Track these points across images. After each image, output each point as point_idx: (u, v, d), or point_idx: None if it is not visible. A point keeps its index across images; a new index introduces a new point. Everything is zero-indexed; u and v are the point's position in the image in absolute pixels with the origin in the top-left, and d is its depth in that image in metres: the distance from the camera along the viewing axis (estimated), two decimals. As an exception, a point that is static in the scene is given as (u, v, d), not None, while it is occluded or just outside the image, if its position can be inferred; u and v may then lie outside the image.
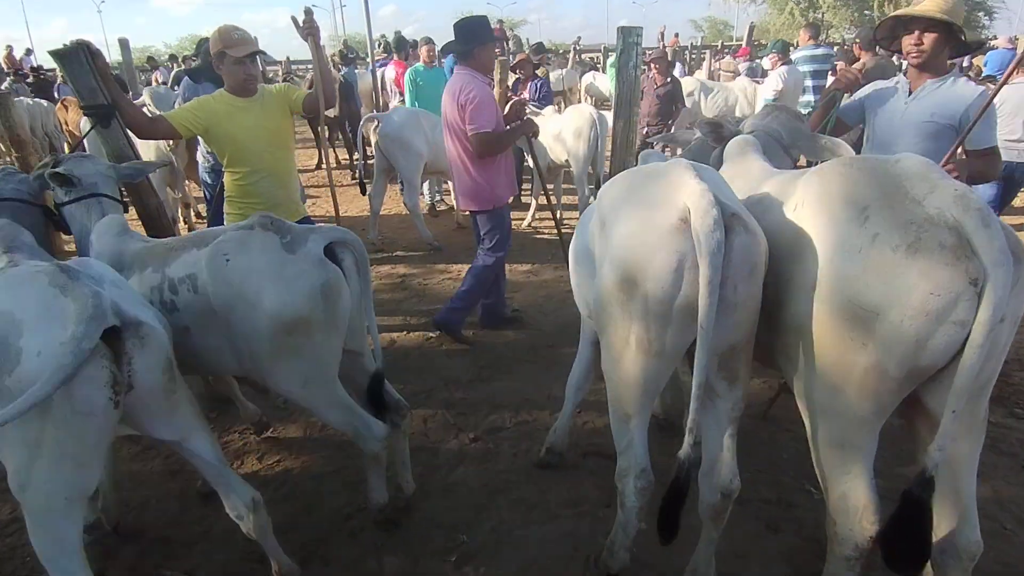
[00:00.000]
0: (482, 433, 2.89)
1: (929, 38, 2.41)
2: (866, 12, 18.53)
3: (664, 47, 12.32)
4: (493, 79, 4.43)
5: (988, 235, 1.32)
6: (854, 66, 5.08)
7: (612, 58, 10.27)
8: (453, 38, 3.47)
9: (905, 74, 2.62)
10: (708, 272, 1.49)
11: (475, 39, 3.37)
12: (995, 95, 2.23)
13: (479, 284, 3.72)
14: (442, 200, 7.07)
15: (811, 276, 1.55)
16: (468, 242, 5.67)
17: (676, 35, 18.48)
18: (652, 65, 7.04)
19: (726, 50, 14.36)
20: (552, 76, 11.20)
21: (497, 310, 3.96)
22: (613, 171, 3.37)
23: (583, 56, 15.67)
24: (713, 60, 11.86)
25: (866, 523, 1.57)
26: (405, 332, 3.96)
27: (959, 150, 2.42)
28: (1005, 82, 2.26)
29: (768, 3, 20.53)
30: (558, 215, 4.52)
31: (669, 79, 6.97)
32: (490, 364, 3.51)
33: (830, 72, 7.00)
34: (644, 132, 6.98)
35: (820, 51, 6.85)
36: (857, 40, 6.19)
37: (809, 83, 6.79)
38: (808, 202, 1.64)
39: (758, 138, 2.37)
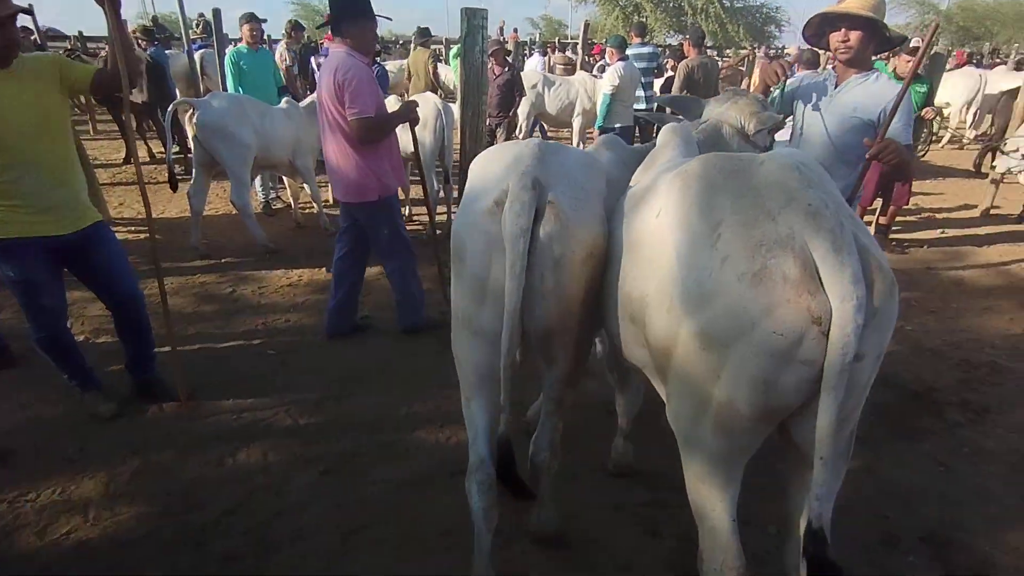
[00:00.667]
0: (335, 463, 2.54)
1: (855, 35, 2.46)
2: (683, 18, 20.25)
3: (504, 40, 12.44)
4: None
5: (837, 263, 1.19)
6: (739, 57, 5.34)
7: (455, 49, 10.23)
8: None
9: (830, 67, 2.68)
10: (509, 257, 1.53)
11: (345, 12, 2.99)
12: (903, 93, 2.25)
13: (407, 277, 3.49)
14: (278, 197, 6.41)
15: (667, 295, 1.40)
16: (310, 243, 5.18)
17: (515, 30, 18.86)
18: (489, 56, 6.97)
19: (564, 46, 14.93)
20: (393, 66, 10.78)
21: (345, 314, 3.59)
22: (464, 161, 3.16)
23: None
24: (551, 55, 12.25)
25: (727, 568, 1.46)
26: (238, 349, 3.44)
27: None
28: (909, 83, 2.27)
29: (598, 5, 21.63)
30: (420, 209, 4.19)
31: (507, 68, 6.96)
32: (340, 380, 3.15)
33: (655, 70, 7.46)
34: (488, 123, 6.93)
35: (647, 50, 7.24)
36: (687, 39, 6.60)
37: (642, 79, 7.19)
38: (667, 209, 1.48)
39: (709, 127, 2.31)
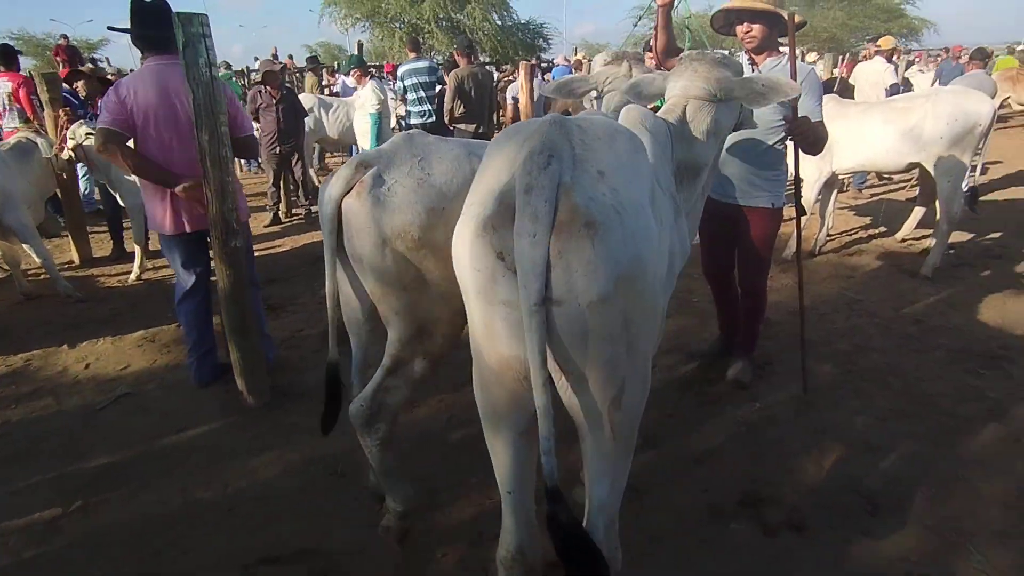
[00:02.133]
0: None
1: (756, 27, 2.65)
2: (461, 36, 20.85)
3: (274, 62, 11.69)
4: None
5: (524, 202, 1.20)
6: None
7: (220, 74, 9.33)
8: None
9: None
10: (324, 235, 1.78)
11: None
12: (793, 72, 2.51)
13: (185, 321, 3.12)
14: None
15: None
16: (45, 316, 4.17)
17: (290, 56, 17.96)
18: (265, 82, 6.38)
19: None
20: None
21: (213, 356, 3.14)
22: (212, 193, 2.67)
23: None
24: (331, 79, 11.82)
25: (503, 551, 1.53)
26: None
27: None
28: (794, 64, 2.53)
29: (378, 30, 21.43)
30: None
31: (285, 91, 6.44)
32: (89, 482, 2.47)
33: (437, 82, 7.44)
34: (277, 150, 6.36)
35: (423, 64, 7.21)
36: (456, 48, 6.62)
37: (421, 93, 7.11)
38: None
39: (673, 107, 2.17)
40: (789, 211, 3.21)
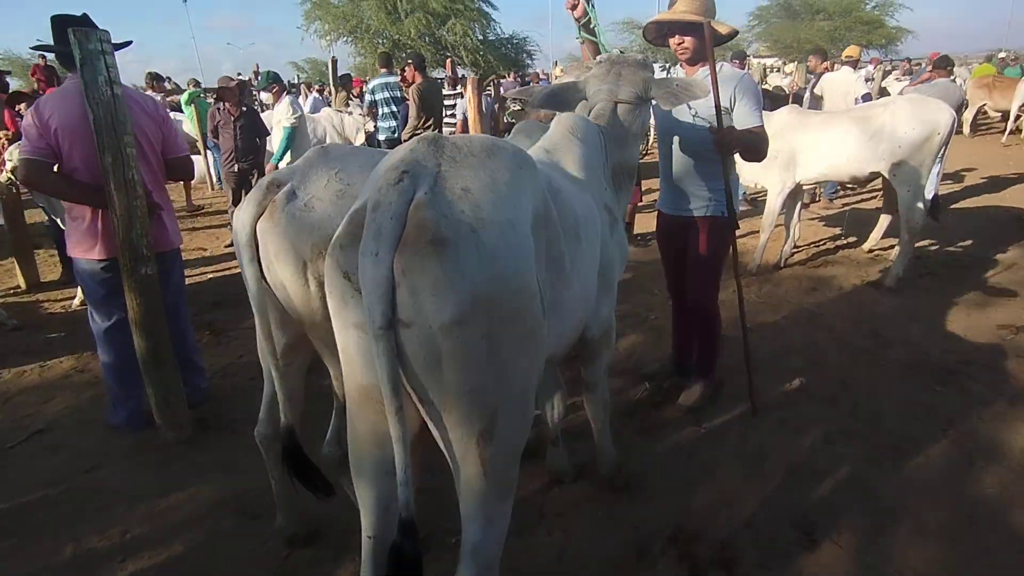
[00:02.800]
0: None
1: (688, 39, 2.57)
2: (443, 52, 20.90)
3: (231, 79, 11.75)
4: None
5: (370, 220, 1.15)
6: None
7: (185, 94, 9.21)
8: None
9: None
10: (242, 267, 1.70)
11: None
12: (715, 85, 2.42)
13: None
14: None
15: None
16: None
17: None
18: (221, 99, 6.27)
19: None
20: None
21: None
22: (119, 219, 2.53)
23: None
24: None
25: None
26: None
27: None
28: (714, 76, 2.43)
29: (358, 46, 21.43)
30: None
31: (245, 108, 6.32)
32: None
33: (403, 98, 7.42)
34: (235, 168, 6.23)
35: (393, 79, 7.25)
36: (410, 63, 6.58)
37: (392, 108, 7.08)
38: None
39: (602, 111, 2.13)
40: (754, 224, 3.08)
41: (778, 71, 19.81)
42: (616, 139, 2.17)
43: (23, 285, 5.19)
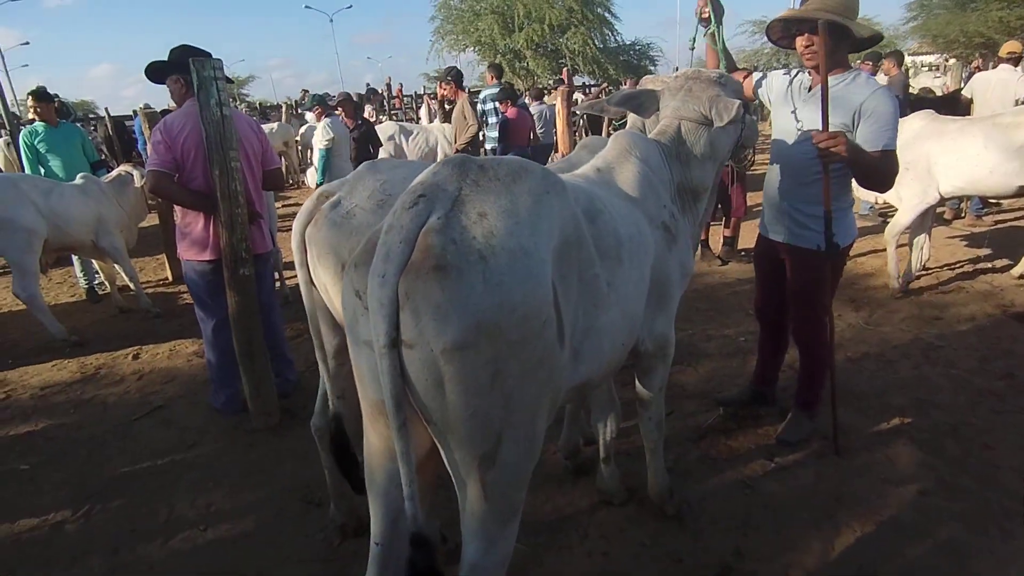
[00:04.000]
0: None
1: (818, 39, 2.22)
2: (561, 60, 21.04)
3: (348, 94, 12.74)
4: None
5: (382, 241, 1.19)
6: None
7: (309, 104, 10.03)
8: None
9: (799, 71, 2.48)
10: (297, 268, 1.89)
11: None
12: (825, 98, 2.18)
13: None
14: (103, 283, 5.83)
15: None
16: (127, 328, 4.66)
17: (400, 85, 19.16)
18: (339, 109, 6.83)
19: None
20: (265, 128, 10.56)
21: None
22: (223, 225, 2.84)
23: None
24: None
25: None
26: (-16, 472, 2.89)
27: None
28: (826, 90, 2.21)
29: (478, 55, 22.18)
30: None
31: (360, 121, 6.81)
32: (95, 494, 2.68)
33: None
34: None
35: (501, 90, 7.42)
36: (450, 79, 6.63)
37: (499, 118, 7.26)
38: None
39: (665, 128, 2.08)
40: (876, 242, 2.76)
41: (936, 70, 17.74)
42: (679, 157, 2.09)
43: (170, 278, 5.95)
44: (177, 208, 3.18)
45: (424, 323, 1.14)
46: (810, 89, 2.42)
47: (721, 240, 5.54)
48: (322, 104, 6.99)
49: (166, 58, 3.05)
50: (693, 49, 3.03)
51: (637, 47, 24.24)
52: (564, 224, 1.37)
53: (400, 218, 1.19)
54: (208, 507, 2.53)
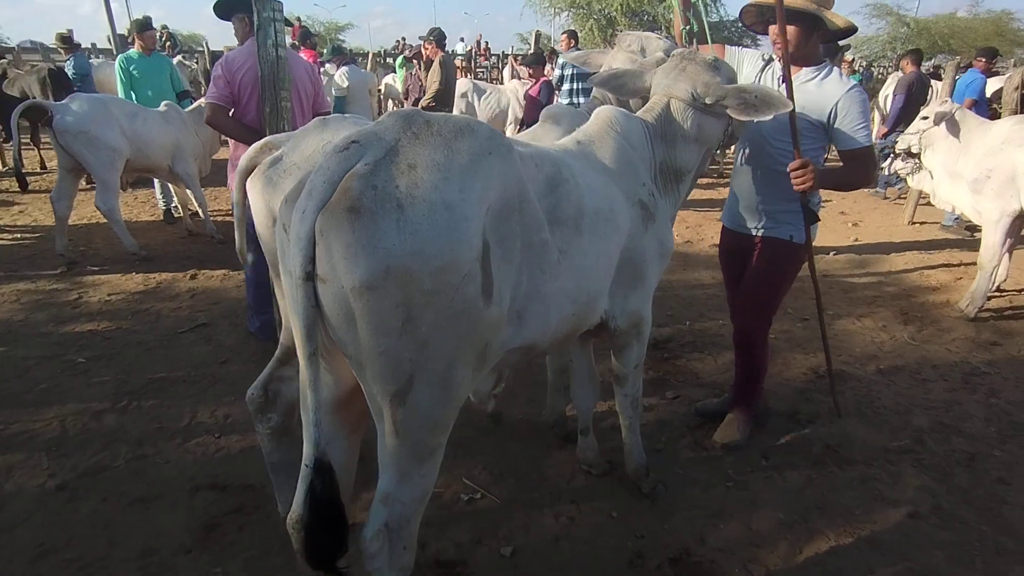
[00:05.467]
0: (74, 477, 2.37)
1: (791, 29, 2.15)
2: (656, 30, 20.26)
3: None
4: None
5: (310, 179, 1.23)
6: None
7: (399, 59, 10.20)
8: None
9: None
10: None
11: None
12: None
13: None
14: (178, 207, 6.28)
15: None
16: (191, 250, 5.05)
17: (487, 44, 19.20)
18: (416, 66, 6.96)
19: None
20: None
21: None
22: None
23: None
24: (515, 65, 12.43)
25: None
26: (47, 358, 3.27)
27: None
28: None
29: (573, 19, 21.67)
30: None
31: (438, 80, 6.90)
32: (140, 388, 2.99)
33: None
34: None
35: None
36: (431, 39, 6.47)
37: (577, 84, 7.14)
38: None
39: (655, 106, 2.06)
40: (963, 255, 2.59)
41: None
42: (665, 137, 2.04)
43: (239, 208, 6.33)
44: (230, 141, 3.38)
45: (335, 260, 1.20)
46: (783, 79, 2.25)
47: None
48: (340, 54, 7.15)
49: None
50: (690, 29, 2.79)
51: (740, 24, 22.99)
52: (506, 186, 1.37)
53: (329, 160, 1.23)
54: (226, 419, 2.77)
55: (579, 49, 7.76)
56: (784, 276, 2.47)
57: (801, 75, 2.27)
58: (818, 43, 2.27)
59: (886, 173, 5.39)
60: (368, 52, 16.90)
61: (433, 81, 6.40)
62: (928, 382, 3.24)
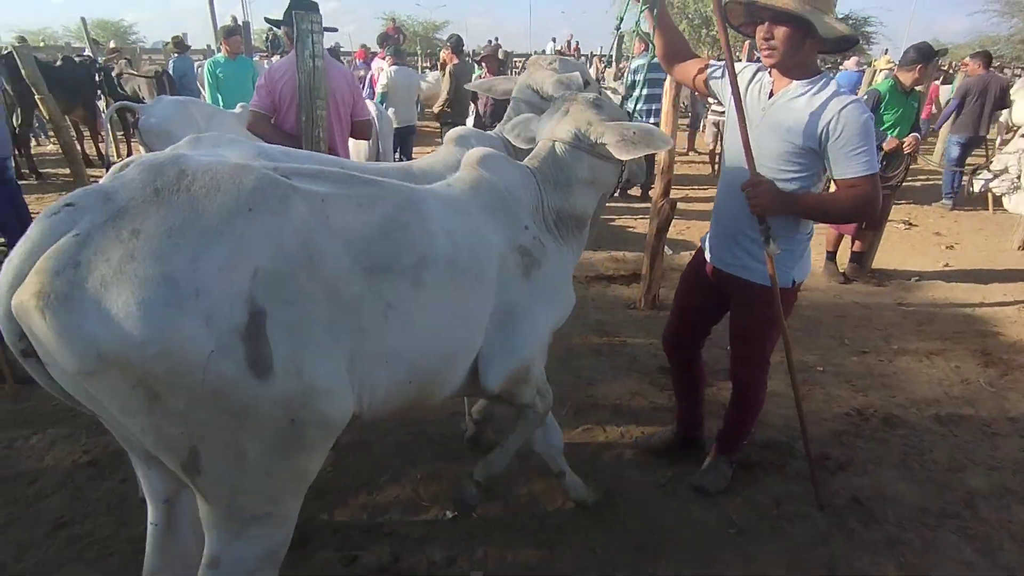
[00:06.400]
0: (105, 455, 2.58)
1: (780, 32, 1.85)
2: (714, 32, 19.28)
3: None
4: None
5: (15, 248, 1.06)
6: None
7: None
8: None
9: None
10: None
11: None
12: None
13: None
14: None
15: None
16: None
17: (578, 43, 19.21)
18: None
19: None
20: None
21: None
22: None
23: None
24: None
25: None
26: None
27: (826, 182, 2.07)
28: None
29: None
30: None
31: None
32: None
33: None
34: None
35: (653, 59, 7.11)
36: (448, 45, 6.68)
37: (648, 91, 6.96)
38: None
39: (540, 151, 1.93)
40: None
41: None
42: (557, 183, 1.86)
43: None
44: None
45: (41, 348, 1.04)
46: (771, 96, 2.01)
47: (849, 255, 4.91)
48: (394, 55, 7.42)
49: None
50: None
51: (851, 20, 21.43)
52: (282, 243, 1.18)
53: (35, 227, 1.06)
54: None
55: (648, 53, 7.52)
56: (772, 318, 2.13)
57: (790, 89, 1.95)
58: (813, 52, 1.93)
59: (971, 188, 4.86)
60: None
61: (442, 91, 6.57)
62: (998, 436, 2.86)
